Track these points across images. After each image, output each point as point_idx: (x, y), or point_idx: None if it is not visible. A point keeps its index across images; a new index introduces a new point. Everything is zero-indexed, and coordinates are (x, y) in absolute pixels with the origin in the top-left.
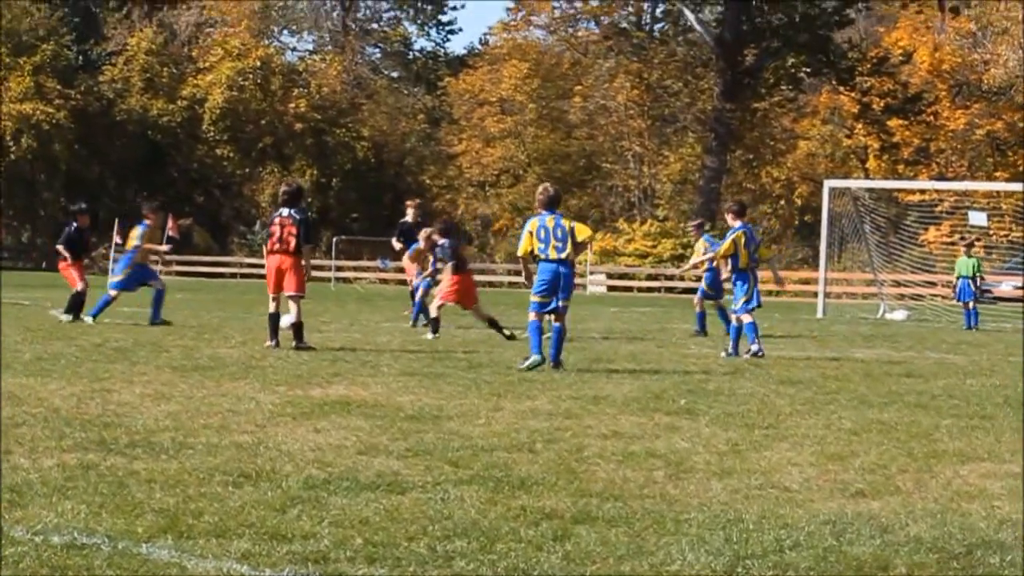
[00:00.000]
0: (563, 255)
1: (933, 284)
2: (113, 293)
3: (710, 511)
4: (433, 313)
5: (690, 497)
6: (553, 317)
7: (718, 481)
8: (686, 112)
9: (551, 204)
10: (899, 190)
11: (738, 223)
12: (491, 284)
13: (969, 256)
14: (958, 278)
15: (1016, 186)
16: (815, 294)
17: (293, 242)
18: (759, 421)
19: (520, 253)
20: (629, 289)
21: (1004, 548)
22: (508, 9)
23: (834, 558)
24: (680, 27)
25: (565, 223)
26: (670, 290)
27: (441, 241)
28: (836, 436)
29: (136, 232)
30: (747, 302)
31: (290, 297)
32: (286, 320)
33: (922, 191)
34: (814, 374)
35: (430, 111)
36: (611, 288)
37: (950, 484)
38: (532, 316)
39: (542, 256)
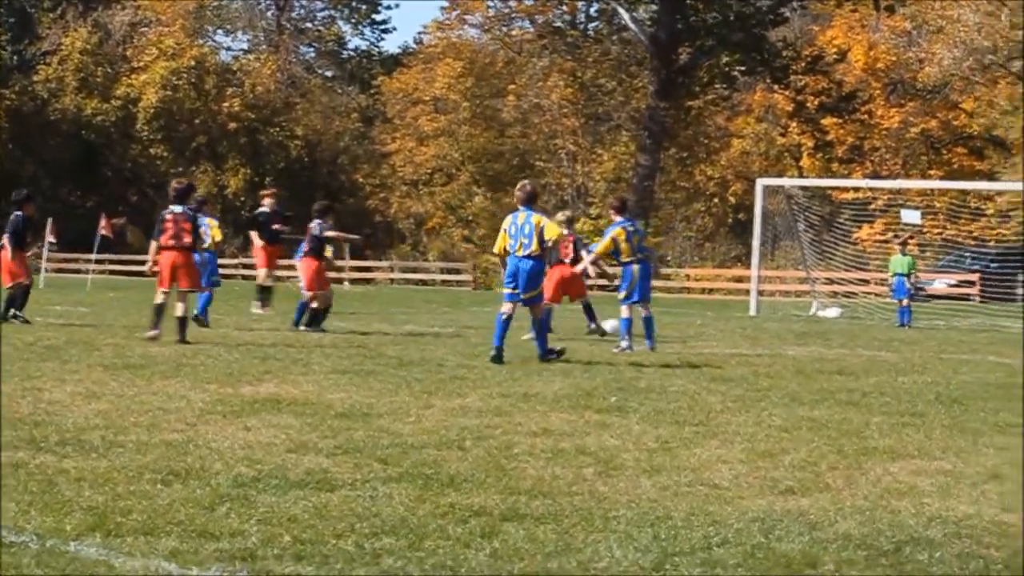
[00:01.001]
0: (528, 252)
1: (866, 282)
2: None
3: (639, 508)
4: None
5: (619, 494)
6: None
7: (647, 478)
8: (620, 110)
9: (527, 201)
10: (833, 188)
11: (619, 218)
12: (424, 283)
13: (904, 254)
14: (893, 275)
15: (950, 184)
16: (748, 292)
17: (188, 238)
18: (690, 418)
19: (495, 250)
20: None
21: (933, 545)
22: (442, 8)
23: (762, 555)
24: (614, 26)
25: (534, 220)
26: (603, 288)
27: (314, 223)
28: (766, 433)
29: None
30: (627, 296)
31: (182, 291)
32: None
33: (856, 189)
34: (746, 371)
35: (364, 110)
36: None
37: (880, 481)
38: (503, 306)
39: (509, 251)
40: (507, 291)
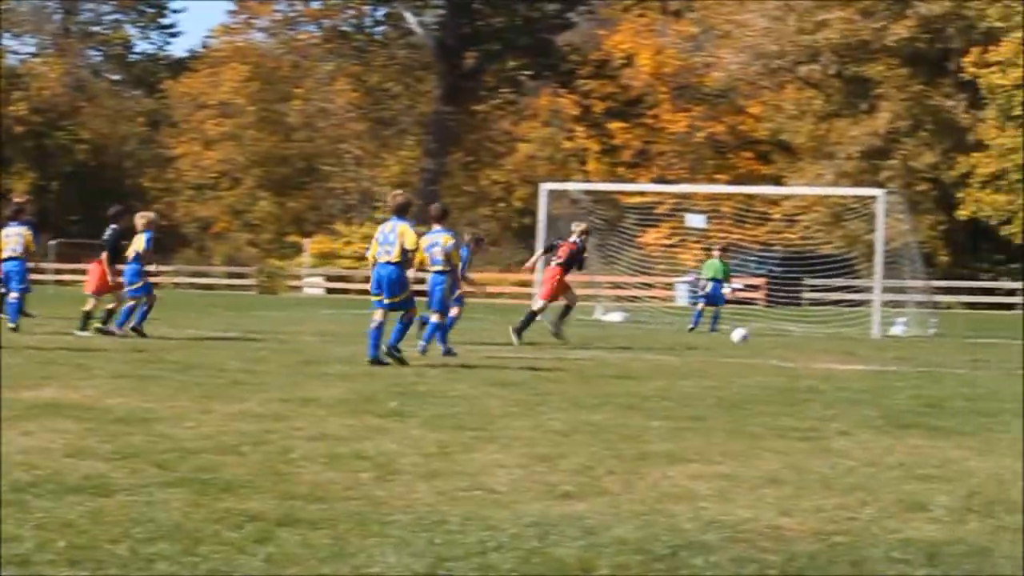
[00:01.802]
0: (388, 259)
1: (651, 286)
2: None
3: (415, 513)
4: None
5: (396, 499)
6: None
7: (424, 483)
8: (406, 115)
9: (397, 211)
10: (618, 192)
11: (439, 227)
12: (209, 287)
13: (721, 260)
14: (708, 280)
15: (736, 189)
16: (531, 296)
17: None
18: (469, 423)
19: (368, 257)
20: (346, 291)
21: (709, 549)
22: (229, 12)
23: (538, 560)
24: (401, 30)
25: (399, 230)
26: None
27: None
28: (545, 438)
29: None
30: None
31: None
32: None
33: (641, 193)
34: (526, 376)
35: (150, 114)
36: (329, 291)
37: (658, 485)
38: (374, 315)
39: (380, 259)
40: (375, 299)
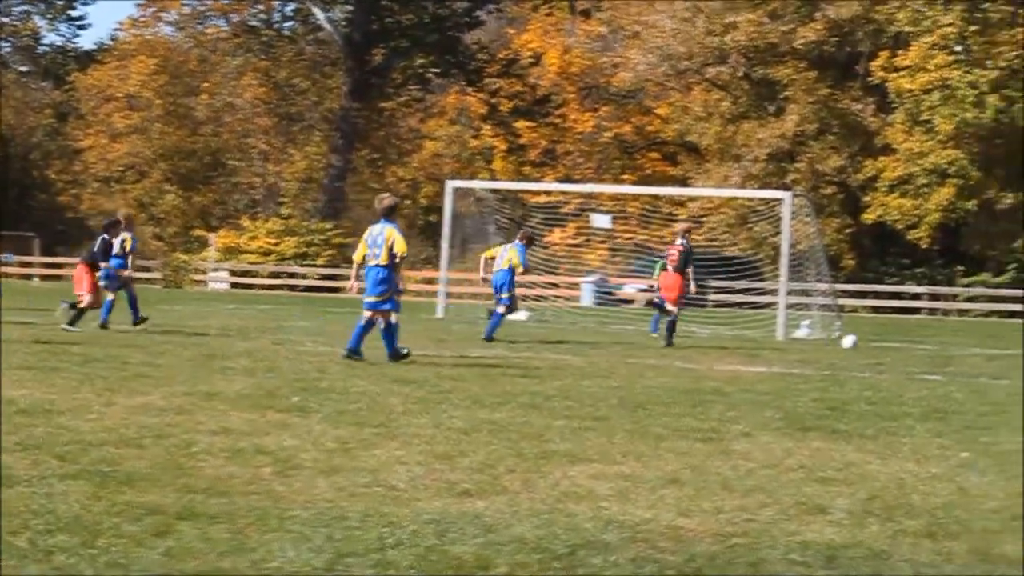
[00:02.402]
0: (377, 261)
1: (556, 285)
2: None
3: (314, 508)
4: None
5: (296, 494)
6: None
7: (324, 479)
8: (313, 110)
9: (385, 214)
10: (524, 191)
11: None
12: None
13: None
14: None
15: (642, 189)
16: (436, 294)
17: None
18: (370, 419)
19: (354, 258)
20: (251, 286)
21: (608, 549)
22: (138, 5)
23: (436, 557)
24: (309, 25)
25: (387, 233)
26: (292, 288)
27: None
28: (446, 435)
29: None
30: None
31: None
32: None
33: (548, 193)
34: (429, 373)
35: (57, 106)
36: (234, 285)
37: (558, 485)
38: (364, 313)
39: (369, 262)
40: (365, 300)
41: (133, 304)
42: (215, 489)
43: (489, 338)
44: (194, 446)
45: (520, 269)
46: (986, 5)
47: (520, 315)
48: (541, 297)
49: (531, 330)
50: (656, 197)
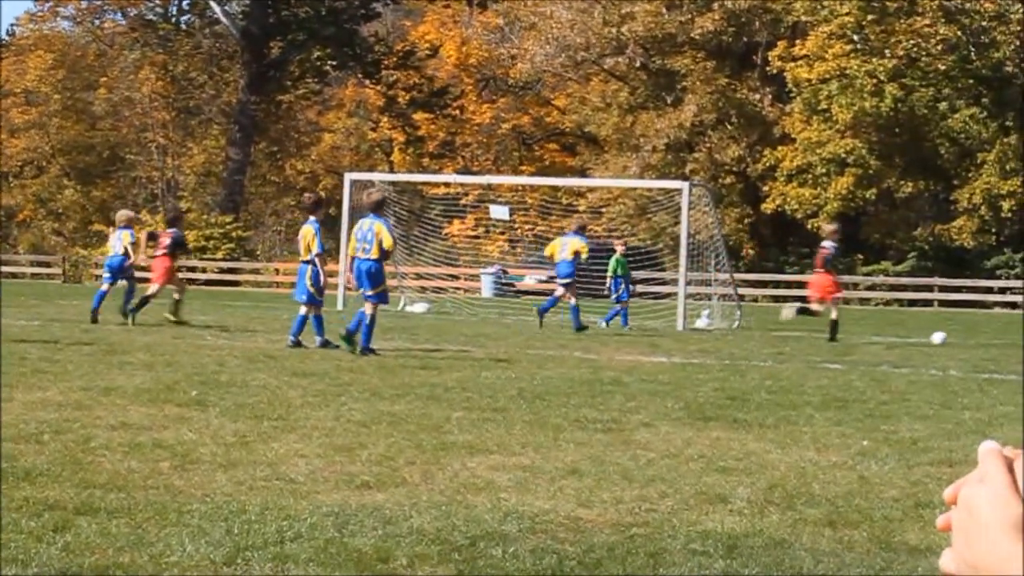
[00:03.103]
0: (367, 255)
1: (456, 277)
2: None
3: (213, 502)
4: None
5: (194, 488)
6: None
7: (223, 472)
8: (211, 104)
9: (373, 209)
10: (423, 183)
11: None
12: (13, 275)
13: (622, 255)
14: (612, 277)
15: (541, 180)
16: (336, 287)
17: None
18: (269, 412)
19: (348, 253)
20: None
21: (507, 540)
22: (35, 0)
23: (335, 550)
24: (206, 19)
25: (376, 228)
26: (192, 281)
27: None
28: (345, 428)
29: None
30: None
31: None
32: None
33: (446, 184)
34: (328, 366)
35: None
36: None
37: (457, 476)
38: (366, 306)
39: (358, 255)
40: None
41: (128, 296)
42: (114, 484)
43: (580, 327)
44: (93, 441)
45: (585, 256)
46: None
47: (419, 307)
48: (440, 289)
49: (430, 322)
50: (555, 188)
